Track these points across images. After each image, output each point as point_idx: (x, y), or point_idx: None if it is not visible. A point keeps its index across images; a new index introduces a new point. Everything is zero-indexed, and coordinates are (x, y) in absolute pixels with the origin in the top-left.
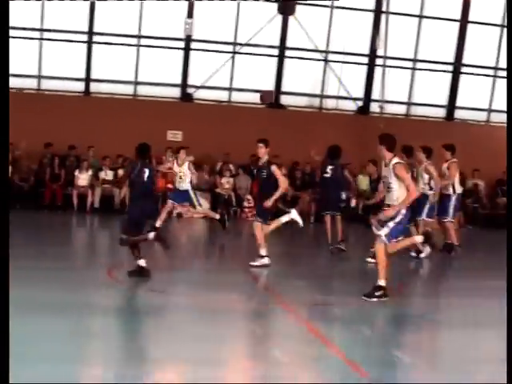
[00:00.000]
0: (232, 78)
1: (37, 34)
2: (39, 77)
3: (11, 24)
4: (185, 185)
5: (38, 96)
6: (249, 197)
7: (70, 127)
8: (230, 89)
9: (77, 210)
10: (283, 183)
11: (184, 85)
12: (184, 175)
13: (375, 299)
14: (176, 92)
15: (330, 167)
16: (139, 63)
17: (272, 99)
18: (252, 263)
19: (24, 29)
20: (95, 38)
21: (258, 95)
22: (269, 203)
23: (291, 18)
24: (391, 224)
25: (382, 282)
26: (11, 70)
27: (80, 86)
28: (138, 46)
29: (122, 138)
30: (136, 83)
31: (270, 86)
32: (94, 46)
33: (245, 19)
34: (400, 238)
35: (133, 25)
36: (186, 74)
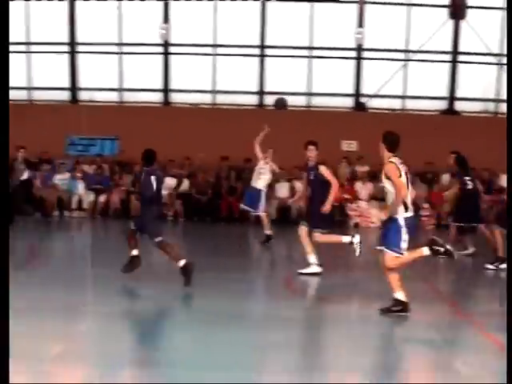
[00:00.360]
0: (405, 86)
1: (210, 50)
2: (214, 92)
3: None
4: (260, 184)
5: (214, 110)
6: (425, 205)
7: (245, 140)
8: (403, 96)
9: (253, 222)
10: (334, 184)
11: (357, 94)
12: (263, 174)
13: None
14: (349, 102)
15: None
16: (312, 74)
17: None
18: (300, 271)
19: (199, 45)
20: (267, 52)
21: (432, 102)
22: (326, 207)
23: (463, 23)
24: (390, 233)
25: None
26: (190, 86)
27: (254, 99)
28: (311, 57)
29: (297, 149)
30: (309, 94)
31: (443, 91)
32: (266, 60)
33: (416, 25)
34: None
35: (303, 36)
36: (359, 83)
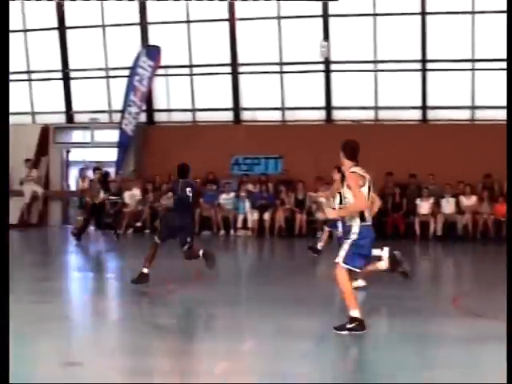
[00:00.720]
0: None
1: (371, 66)
2: (376, 108)
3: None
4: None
5: (377, 126)
6: None
7: (409, 156)
8: None
9: (419, 239)
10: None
11: None
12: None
13: (346, 332)
14: None
15: None
16: (475, 87)
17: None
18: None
19: (360, 62)
20: (429, 66)
21: None
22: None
23: None
24: (346, 246)
25: (354, 313)
26: (352, 103)
27: (417, 115)
28: (473, 70)
29: (462, 164)
30: (473, 107)
31: None
32: (429, 74)
33: None
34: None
35: (466, 48)
36: None
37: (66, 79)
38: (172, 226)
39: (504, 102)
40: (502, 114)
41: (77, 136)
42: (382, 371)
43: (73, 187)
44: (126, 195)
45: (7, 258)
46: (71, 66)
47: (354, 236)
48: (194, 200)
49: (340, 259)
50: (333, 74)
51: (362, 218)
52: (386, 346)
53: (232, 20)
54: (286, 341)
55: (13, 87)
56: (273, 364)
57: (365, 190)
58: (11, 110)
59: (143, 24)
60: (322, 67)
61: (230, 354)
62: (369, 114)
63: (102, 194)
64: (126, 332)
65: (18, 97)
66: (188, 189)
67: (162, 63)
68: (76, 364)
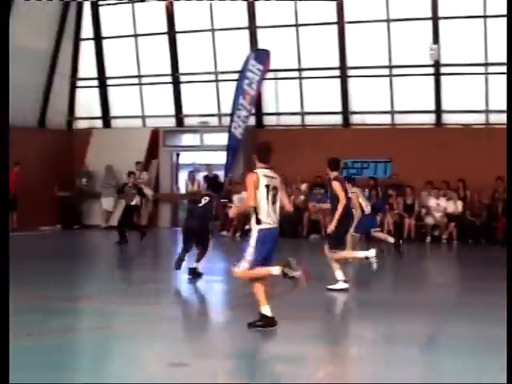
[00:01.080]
0: None
1: (481, 69)
2: (486, 111)
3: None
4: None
5: (488, 130)
6: None
7: None
8: None
9: None
10: (342, 200)
11: None
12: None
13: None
14: None
15: None
16: None
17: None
18: (329, 286)
19: (469, 64)
20: None
21: None
22: (331, 228)
23: None
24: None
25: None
26: (462, 107)
27: None
28: None
29: None
30: None
31: None
32: None
33: None
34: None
35: None
36: None
37: (176, 83)
38: (184, 230)
39: None
40: None
41: (186, 139)
42: (480, 376)
43: (182, 190)
44: (235, 198)
45: (7, 259)
46: (181, 70)
47: (252, 241)
48: (210, 211)
49: (245, 264)
50: (443, 77)
51: (258, 222)
52: (482, 353)
53: (341, 23)
54: (390, 345)
55: (124, 91)
56: (377, 369)
57: (261, 190)
58: (122, 113)
59: (252, 28)
60: (431, 70)
61: (334, 357)
62: (479, 118)
63: (136, 198)
64: (232, 334)
65: (129, 101)
66: (204, 200)
67: (271, 67)
68: (182, 365)
